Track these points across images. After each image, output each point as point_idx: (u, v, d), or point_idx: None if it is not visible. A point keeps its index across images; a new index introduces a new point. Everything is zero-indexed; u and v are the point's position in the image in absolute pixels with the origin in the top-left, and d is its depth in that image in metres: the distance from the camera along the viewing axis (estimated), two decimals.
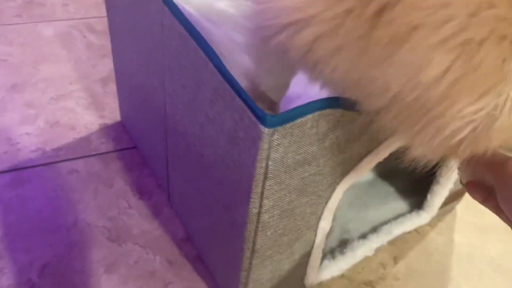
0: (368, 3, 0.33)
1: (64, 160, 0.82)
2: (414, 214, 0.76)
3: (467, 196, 0.85)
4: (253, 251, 0.51)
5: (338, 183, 0.51)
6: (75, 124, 0.89)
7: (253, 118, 0.39)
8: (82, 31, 1.15)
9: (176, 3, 0.54)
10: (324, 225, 0.56)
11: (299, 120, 0.40)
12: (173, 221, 0.75)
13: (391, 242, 0.76)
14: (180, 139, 0.60)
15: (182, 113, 0.56)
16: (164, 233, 0.73)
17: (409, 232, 0.78)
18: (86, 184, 0.78)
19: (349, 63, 0.36)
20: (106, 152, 0.85)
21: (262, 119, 0.38)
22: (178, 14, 0.49)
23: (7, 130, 0.86)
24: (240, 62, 0.54)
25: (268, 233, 0.50)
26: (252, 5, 0.42)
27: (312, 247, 0.59)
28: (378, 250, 0.74)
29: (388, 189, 0.80)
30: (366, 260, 0.73)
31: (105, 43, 1.10)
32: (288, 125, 0.39)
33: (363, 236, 0.72)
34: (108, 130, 0.89)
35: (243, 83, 0.53)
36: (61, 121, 0.89)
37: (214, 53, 0.44)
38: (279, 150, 0.41)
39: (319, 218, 0.54)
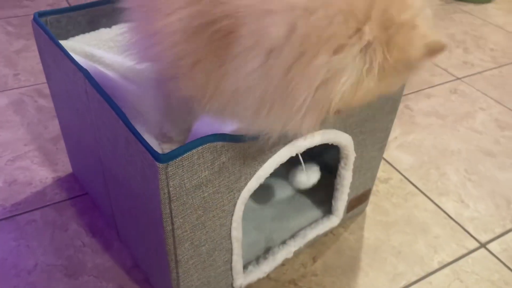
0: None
1: (22, 213, 0.93)
2: (325, 218, 0.90)
3: (375, 199, 1.02)
4: (176, 261, 0.64)
5: (237, 198, 0.66)
6: (31, 180, 1.01)
7: (151, 158, 0.53)
8: (33, 96, 1.28)
9: (96, 72, 0.69)
10: (236, 234, 0.70)
11: (186, 155, 0.54)
12: (122, 252, 0.87)
13: (311, 245, 0.90)
14: (114, 181, 0.74)
15: (111, 160, 0.70)
16: (115, 264, 0.85)
17: (326, 235, 0.93)
18: (43, 231, 0.90)
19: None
20: (60, 201, 0.96)
21: (157, 158, 0.52)
22: (95, 85, 0.63)
23: None
24: (152, 116, 0.69)
25: (186, 245, 0.63)
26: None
27: (231, 254, 0.72)
28: (299, 253, 0.88)
29: (305, 201, 0.95)
30: (289, 262, 0.87)
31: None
32: (177, 160, 0.54)
33: (283, 242, 0.86)
34: (61, 182, 1.01)
35: (155, 131, 0.67)
36: (18, 179, 1.01)
37: (123, 113, 0.58)
38: (176, 178, 0.55)
39: (229, 229, 0.68)
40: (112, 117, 0.60)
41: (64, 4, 1.79)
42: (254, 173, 0.65)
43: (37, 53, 1.45)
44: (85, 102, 0.70)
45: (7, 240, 0.88)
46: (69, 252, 0.86)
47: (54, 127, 1.16)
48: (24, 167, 1.04)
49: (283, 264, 0.86)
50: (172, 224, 0.59)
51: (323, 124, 0.71)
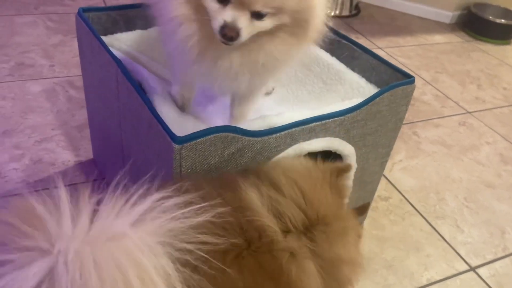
0: None
1: (43, 189, 1.00)
2: None
3: (374, 215, 1.06)
4: None
5: None
6: (55, 161, 1.09)
7: (168, 139, 0.60)
8: (65, 87, 1.37)
9: (127, 63, 0.76)
10: None
11: (199, 140, 0.61)
12: None
13: None
14: (133, 165, 0.80)
15: (133, 144, 0.77)
16: None
17: None
18: None
19: None
20: (79, 183, 1.04)
21: (173, 139, 0.59)
22: (126, 73, 0.71)
23: None
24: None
25: None
26: None
27: None
28: None
29: None
30: None
31: (84, 96, 1.32)
32: (192, 143, 0.60)
33: None
34: (82, 165, 1.09)
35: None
36: (43, 159, 1.09)
37: (148, 100, 0.66)
38: (188, 160, 0.62)
39: None
40: (138, 103, 0.68)
41: (102, 5, 1.91)
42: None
43: (72, 48, 1.56)
44: (114, 90, 0.78)
45: None
46: None
47: (81, 116, 1.24)
48: (49, 149, 1.12)
49: None
50: None
51: (328, 132, 0.77)
